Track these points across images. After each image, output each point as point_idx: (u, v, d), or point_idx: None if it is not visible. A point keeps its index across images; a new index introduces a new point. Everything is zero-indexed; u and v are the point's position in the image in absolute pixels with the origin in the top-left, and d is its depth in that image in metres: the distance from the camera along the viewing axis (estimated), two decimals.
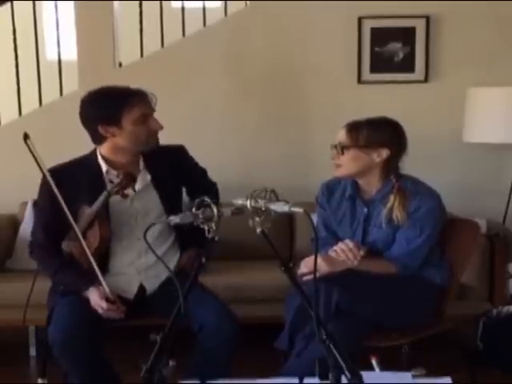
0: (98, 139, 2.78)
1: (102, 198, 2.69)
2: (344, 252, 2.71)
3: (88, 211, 2.71)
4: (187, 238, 2.82)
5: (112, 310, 2.67)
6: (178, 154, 2.95)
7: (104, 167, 2.79)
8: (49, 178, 2.66)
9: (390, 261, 2.72)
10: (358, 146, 2.72)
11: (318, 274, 2.56)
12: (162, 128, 2.78)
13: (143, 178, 2.81)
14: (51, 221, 2.75)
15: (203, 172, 3.07)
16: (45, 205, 2.78)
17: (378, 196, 2.78)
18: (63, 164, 2.86)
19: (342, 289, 2.56)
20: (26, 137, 2.62)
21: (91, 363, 2.63)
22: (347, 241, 2.74)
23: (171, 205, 2.78)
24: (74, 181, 2.76)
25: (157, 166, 2.83)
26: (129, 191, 2.71)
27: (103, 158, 2.80)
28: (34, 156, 2.61)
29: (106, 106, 2.71)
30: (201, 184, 2.98)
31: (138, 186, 2.77)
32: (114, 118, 2.70)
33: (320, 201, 2.93)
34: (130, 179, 2.71)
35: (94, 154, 2.84)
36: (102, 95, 2.75)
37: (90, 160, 2.83)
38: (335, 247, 2.74)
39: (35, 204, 2.92)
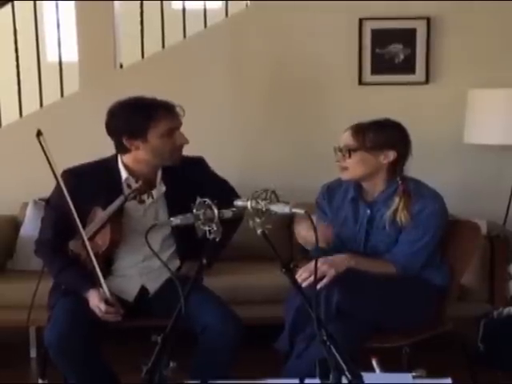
0: (121, 149, 2.78)
1: (117, 202, 2.69)
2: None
3: (101, 214, 2.71)
4: (188, 249, 2.82)
5: (110, 312, 2.67)
6: (197, 166, 2.91)
7: (124, 174, 2.78)
8: (58, 177, 2.66)
9: (390, 262, 2.72)
10: (366, 148, 2.71)
11: (326, 280, 2.57)
12: (187, 142, 2.77)
13: (158, 189, 2.80)
14: (61, 220, 2.75)
15: (223, 183, 3.00)
16: (57, 204, 2.77)
17: (381, 197, 2.78)
18: (82, 165, 2.85)
19: (343, 289, 2.56)
20: (38, 133, 2.61)
21: (88, 365, 2.63)
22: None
23: None
24: (90, 183, 2.76)
25: (173, 179, 2.82)
26: (146, 198, 2.70)
27: (124, 165, 2.79)
28: (45, 153, 2.61)
29: (132, 119, 2.70)
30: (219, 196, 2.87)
31: (154, 195, 2.75)
32: (140, 131, 2.69)
33: (320, 203, 2.92)
34: (148, 186, 2.71)
35: (115, 159, 2.83)
36: (128, 107, 2.73)
37: (110, 164, 2.82)
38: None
39: (47, 202, 2.91)
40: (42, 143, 2.62)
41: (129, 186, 2.72)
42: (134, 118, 2.70)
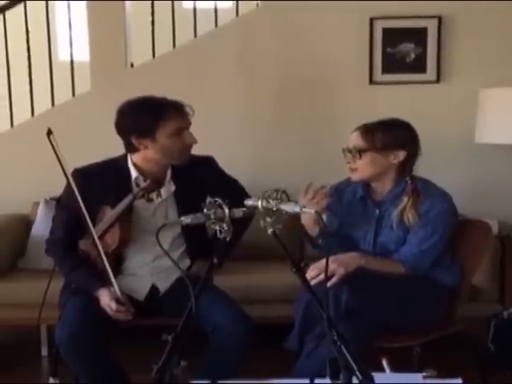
0: (130, 149, 2.78)
1: (126, 200, 2.69)
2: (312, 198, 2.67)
3: (110, 213, 2.72)
4: (198, 249, 2.83)
5: (121, 311, 2.68)
6: (206, 166, 2.92)
7: (134, 174, 2.79)
8: (69, 175, 2.68)
9: (399, 261, 2.72)
10: (375, 148, 2.71)
11: (335, 278, 2.57)
12: (196, 142, 2.77)
13: (168, 188, 2.81)
14: (72, 219, 2.76)
15: (233, 183, 3.01)
16: (68, 203, 2.78)
17: (389, 197, 2.78)
18: (92, 164, 2.86)
19: (352, 289, 2.55)
20: (49, 132, 2.62)
21: (98, 364, 2.64)
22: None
23: None
24: (100, 182, 2.77)
25: (183, 179, 2.82)
26: (154, 196, 2.71)
27: (134, 164, 2.80)
28: (55, 152, 2.63)
29: (141, 119, 2.70)
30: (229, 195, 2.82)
31: (163, 193, 2.76)
32: (149, 131, 2.70)
33: (329, 204, 2.92)
34: (157, 185, 2.72)
35: (124, 158, 2.83)
36: (138, 106, 2.73)
37: (120, 164, 2.83)
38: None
39: (58, 201, 2.93)
40: (53, 142, 2.63)
41: (138, 185, 2.74)
42: (143, 117, 2.71)
